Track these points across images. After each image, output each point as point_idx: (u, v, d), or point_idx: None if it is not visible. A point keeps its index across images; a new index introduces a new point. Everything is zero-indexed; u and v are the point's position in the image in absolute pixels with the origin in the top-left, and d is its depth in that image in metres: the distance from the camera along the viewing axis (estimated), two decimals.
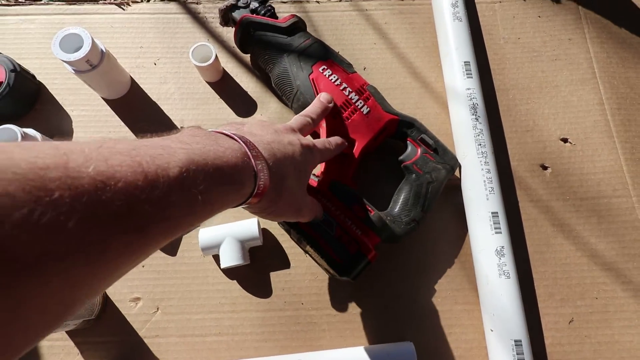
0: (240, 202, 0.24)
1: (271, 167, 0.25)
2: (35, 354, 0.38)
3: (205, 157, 0.20)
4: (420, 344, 0.38)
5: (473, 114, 0.42)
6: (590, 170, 0.45)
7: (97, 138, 0.18)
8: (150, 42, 0.49)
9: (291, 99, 0.41)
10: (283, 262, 0.41)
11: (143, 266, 0.41)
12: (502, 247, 0.37)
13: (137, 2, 0.52)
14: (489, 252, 0.37)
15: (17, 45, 0.48)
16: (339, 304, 0.40)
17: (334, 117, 0.39)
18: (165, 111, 0.47)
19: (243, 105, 0.47)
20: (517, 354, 0.34)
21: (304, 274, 0.41)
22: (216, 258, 0.41)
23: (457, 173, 0.42)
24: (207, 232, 0.39)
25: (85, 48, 0.39)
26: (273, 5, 0.46)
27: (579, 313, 0.40)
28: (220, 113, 0.47)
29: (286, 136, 0.29)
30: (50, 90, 0.47)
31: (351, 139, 0.39)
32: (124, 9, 0.51)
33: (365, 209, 0.37)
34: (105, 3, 0.51)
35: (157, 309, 0.40)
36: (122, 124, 0.46)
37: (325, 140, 0.34)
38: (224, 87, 0.48)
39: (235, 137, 0.24)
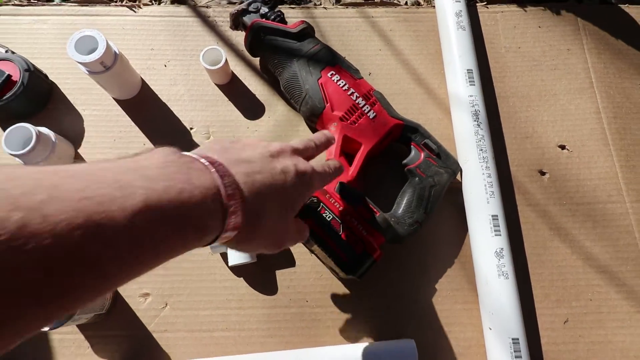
0: (204, 245, 0.21)
1: (248, 205, 0.22)
2: (47, 347, 0.39)
3: (169, 200, 0.17)
4: (421, 341, 0.39)
5: (475, 120, 0.43)
6: (587, 176, 0.46)
7: (51, 168, 0.16)
8: (160, 44, 0.51)
9: (299, 103, 0.43)
10: (288, 260, 0.43)
11: None
12: (502, 248, 0.38)
13: (148, 4, 0.53)
14: (489, 253, 0.39)
15: (30, 45, 0.49)
16: (343, 302, 0.41)
17: (342, 119, 0.40)
18: (175, 112, 0.48)
19: (251, 107, 0.48)
20: (514, 351, 0.35)
21: (308, 272, 0.42)
22: (224, 256, 0.42)
23: (458, 177, 0.44)
24: None
25: (100, 50, 0.40)
26: (282, 10, 0.48)
27: (574, 313, 0.41)
28: (229, 115, 0.48)
29: (280, 162, 0.26)
30: (62, 90, 0.48)
31: (358, 142, 0.40)
32: (135, 11, 0.52)
33: (371, 210, 0.38)
34: (117, 5, 0.53)
35: (166, 304, 0.41)
36: (133, 124, 0.47)
37: (325, 164, 0.31)
38: (233, 89, 0.49)
39: (213, 170, 0.21)
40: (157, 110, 0.48)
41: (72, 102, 0.48)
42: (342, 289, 0.42)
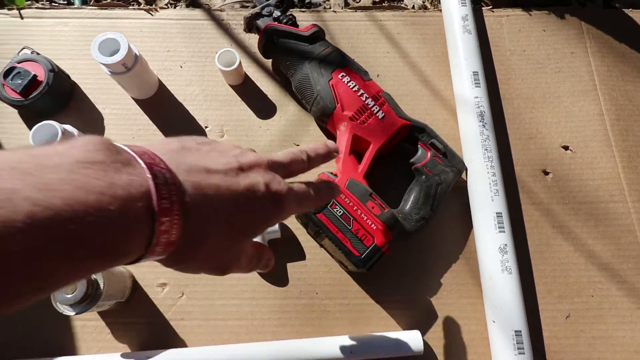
0: (119, 264, 0.17)
1: (189, 225, 0.18)
2: (70, 332, 0.41)
3: (68, 218, 0.13)
4: (426, 333, 0.41)
5: (480, 121, 0.45)
6: (589, 176, 0.47)
7: None
8: (176, 46, 0.53)
9: (311, 103, 0.44)
10: (299, 254, 0.44)
11: None
12: (505, 245, 0.40)
13: (165, 8, 0.55)
14: (493, 249, 0.40)
15: (52, 46, 0.52)
16: (351, 294, 0.43)
17: (352, 119, 0.42)
18: (190, 111, 0.50)
19: (263, 107, 0.50)
20: (517, 343, 0.37)
21: (318, 265, 0.44)
22: None
23: (464, 176, 0.45)
24: None
25: (122, 52, 0.42)
26: (293, 14, 0.49)
27: (576, 309, 0.42)
28: (242, 114, 0.50)
29: (249, 178, 0.21)
30: (83, 90, 0.50)
31: (367, 141, 0.42)
32: (152, 15, 0.54)
33: (379, 206, 0.40)
34: (135, 8, 0.55)
35: (182, 294, 0.43)
36: (150, 122, 0.49)
37: (310, 186, 0.26)
38: (246, 90, 0.51)
39: (148, 176, 0.16)
40: (174, 109, 0.50)
41: (92, 101, 0.50)
42: (350, 282, 0.43)
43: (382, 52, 0.53)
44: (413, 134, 0.44)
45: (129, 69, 0.44)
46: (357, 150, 0.43)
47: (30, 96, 0.45)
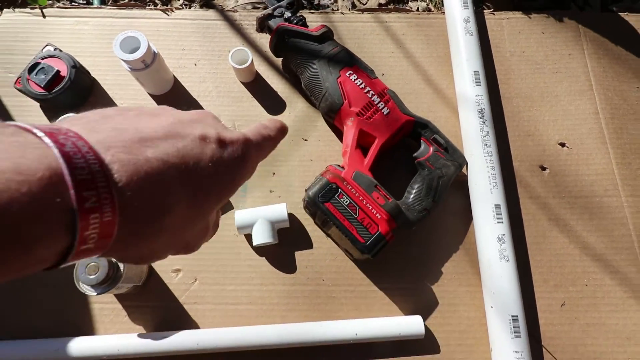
0: (49, 267, 0.14)
1: (128, 196, 0.14)
2: (88, 314, 0.43)
3: None
4: (427, 319, 0.43)
5: (480, 118, 0.47)
6: (585, 172, 0.50)
7: None
8: (191, 44, 0.55)
9: (319, 99, 0.47)
10: (307, 243, 0.46)
11: None
12: (503, 234, 0.42)
13: (180, 8, 0.58)
14: (491, 238, 0.42)
15: (73, 44, 0.54)
16: (356, 281, 0.45)
17: (358, 114, 0.44)
18: (203, 107, 0.52)
19: (273, 104, 0.53)
20: (513, 327, 0.39)
21: (325, 254, 0.46)
22: (248, 238, 0.46)
23: (464, 170, 0.48)
24: (243, 214, 0.45)
25: (142, 49, 0.45)
26: (303, 15, 0.52)
27: (571, 298, 0.45)
28: (253, 110, 0.52)
29: (197, 128, 0.18)
30: (102, 85, 0.53)
31: (372, 135, 0.44)
32: (168, 15, 0.57)
33: (384, 196, 0.42)
34: (152, 9, 0.57)
35: (195, 279, 0.45)
36: None
37: (259, 126, 0.22)
38: (257, 87, 0.53)
39: (51, 144, 0.13)
40: (188, 105, 0.52)
41: (111, 96, 0.52)
42: (355, 270, 0.46)
43: (388, 52, 0.55)
44: (416, 129, 0.46)
45: (148, 65, 0.47)
46: (363, 144, 0.45)
47: (54, 91, 0.48)
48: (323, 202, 0.40)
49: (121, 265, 0.40)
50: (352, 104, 0.45)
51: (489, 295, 0.41)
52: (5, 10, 0.56)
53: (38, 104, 0.51)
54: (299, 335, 0.41)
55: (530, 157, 0.50)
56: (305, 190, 0.43)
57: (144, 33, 0.55)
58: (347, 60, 0.46)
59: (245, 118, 0.52)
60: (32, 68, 0.48)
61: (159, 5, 0.58)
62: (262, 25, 0.51)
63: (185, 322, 0.43)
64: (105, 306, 0.44)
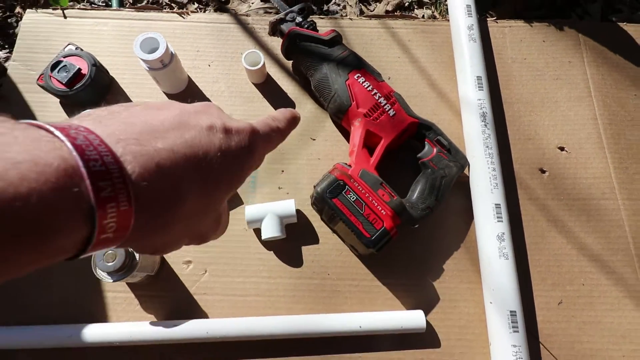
0: (67, 258, 0.14)
1: (143, 186, 0.15)
2: (102, 303, 0.45)
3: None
4: (429, 314, 0.44)
5: (482, 121, 0.49)
6: (583, 175, 0.51)
7: None
8: (205, 46, 0.57)
9: (328, 100, 0.49)
10: (313, 238, 0.48)
11: None
12: (503, 233, 0.44)
13: (195, 11, 0.60)
14: (492, 237, 0.44)
15: (92, 44, 0.57)
16: (360, 276, 0.47)
17: (365, 115, 0.46)
18: None
19: (283, 104, 0.55)
20: (511, 322, 0.40)
21: (330, 249, 0.48)
22: (257, 232, 0.48)
23: (466, 171, 0.49)
24: (252, 209, 0.46)
25: (161, 50, 0.47)
26: (314, 20, 0.54)
27: (568, 296, 0.46)
28: (263, 110, 0.55)
29: (203, 119, 0.18)
30: (120, 84, 0.55)
31: (379, 136, 0.46)
32: (184, 18, 0.59)
33: (389, 193, 0.44)
34: (168, 12, 0.60)
35: (205, 271, 0.47)
36: None
37: (268, 117, 0.22)
38: (267, 88, 0.56)
39: (64, 139, 0.13)
40: None
41: (128, 94, 0.55)
42: (360, 265, 0.47)
43: (394, 57, 0.57)
44: (421, 131, 0.48)
45: (166, 65, 0.49)
46: (369, 144, 0.47)
47: (74, 87, 0.50)
48: (331, 198, 0.42)
49: (137, 255, 0.41)
50: (359, 106, 0.47)
51: (489, 292, 0.43)
52: (28, 10, 0.58)
53: (57, 101, 0.53)
54: (304, 326, 0.43)
55: (530, 160, 0.52)
56: (314, 187, 0.45)
57: (161, 34, 0.58)
58: (356, 64, 0.48)
59: (256, 118, 0.53)
60: (54, 65, 0.50)
61: (175, 9, 0.61)
62: (275, 29, 0.53)
63: (195, 311, 0.45)
64: (118, 295, 0.45)
